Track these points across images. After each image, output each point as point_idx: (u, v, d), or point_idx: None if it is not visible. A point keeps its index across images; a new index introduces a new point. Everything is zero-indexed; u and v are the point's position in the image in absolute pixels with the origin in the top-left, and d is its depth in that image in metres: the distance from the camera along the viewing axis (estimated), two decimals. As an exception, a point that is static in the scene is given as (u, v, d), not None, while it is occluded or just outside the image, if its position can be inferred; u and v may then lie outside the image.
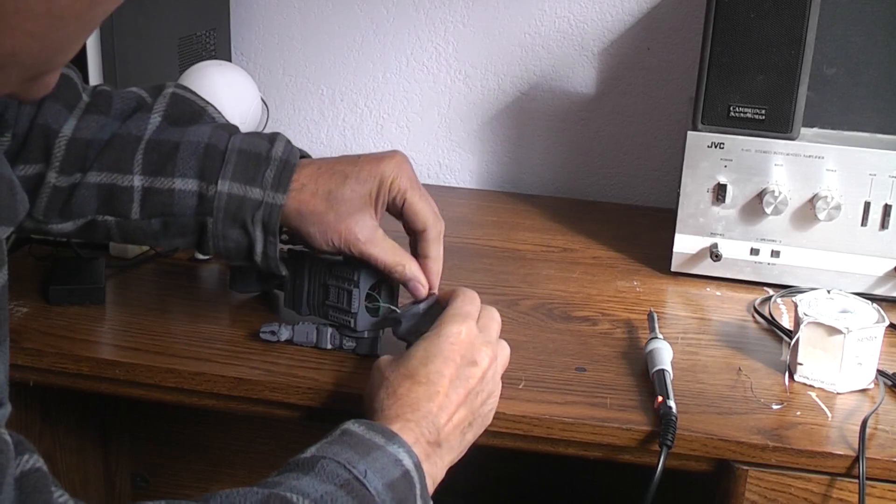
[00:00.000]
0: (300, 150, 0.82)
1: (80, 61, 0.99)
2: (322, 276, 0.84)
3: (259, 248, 0.80)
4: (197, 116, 0.83)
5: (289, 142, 0.82)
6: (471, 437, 0.72)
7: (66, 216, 0.80)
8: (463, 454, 0.72)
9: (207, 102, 0.85)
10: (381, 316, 0.83)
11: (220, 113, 0.86)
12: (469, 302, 0.76)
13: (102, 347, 0.86)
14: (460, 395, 0.70)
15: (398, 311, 0.82)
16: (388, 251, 0.80)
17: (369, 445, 0.63)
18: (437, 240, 0.83)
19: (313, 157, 0.84)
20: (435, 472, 0.68)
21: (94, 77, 1.00)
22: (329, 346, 0.84)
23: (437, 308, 0.79)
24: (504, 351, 0.76)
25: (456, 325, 0.73)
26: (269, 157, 0.80)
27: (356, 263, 0.82)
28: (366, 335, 0.83)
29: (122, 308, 0.94)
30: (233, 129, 0.83)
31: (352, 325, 0.83)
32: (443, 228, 0.84)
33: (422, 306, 0.80)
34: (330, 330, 0.84)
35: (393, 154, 0.82)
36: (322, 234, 0.79)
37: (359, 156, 0.82)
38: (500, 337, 0.81)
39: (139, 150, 0.80)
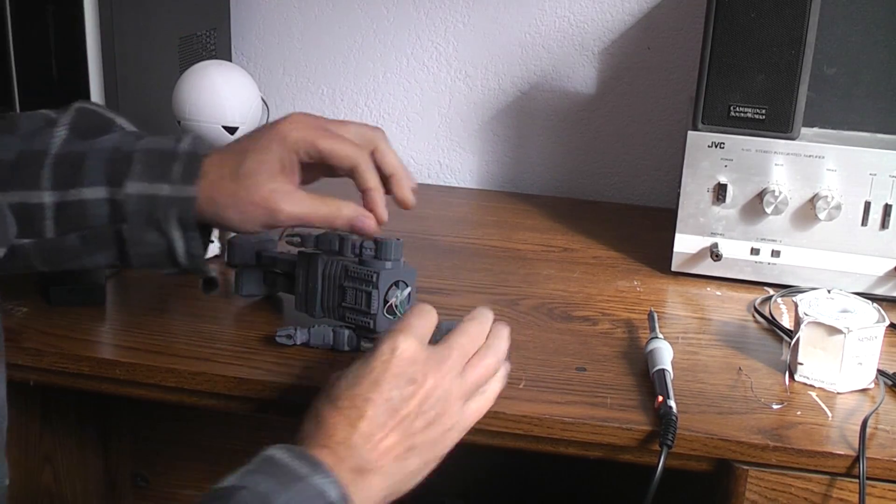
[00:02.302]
0: (211, 143, 0.79)
1: (79, 63, 0.99)
2: (338, 277, 0.84)
3: (181, 248, 0.77)
4: (106, 127, 0.80)
5: (198, 136, 0.80)
6: (416, 462, 0.66)
7: None
8: (416, 479, 0.67)
9: (117, 114, 0.82)
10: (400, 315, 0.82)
11: (130, 124, 0.82)
12: (417, 315, 0.69)
13: (103, 347, 0.86)
14: (390, 419, 0.64)
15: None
16: (315, 205, 0.76)
17: (292, 476, 0.60)
18: (369, 167, 0.77)
19: None
20: (366, 500, 0.64)
21: (95, 79, 1.01)
22: (346, 349, 0.84)
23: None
24: (481, 368, 0.70)
25: (390, 341, 0.67)
26: (176, 152, 0.76)
27: (374, 264, 0.82)
28: None
29: (122, 308, 0.94)
30: (142, 135, 0.79)
31: (371, 326, 0.82)
32: (378, 144, 0.79)
33: (444, 325, 0.80)
34: (347, 332, 0.84)
35: (288, 115, 0.78)
36: (241, 214, 0.75)
37: (258, 128, 0.79)
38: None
39: (46, 165, 0.76)
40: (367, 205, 0.77)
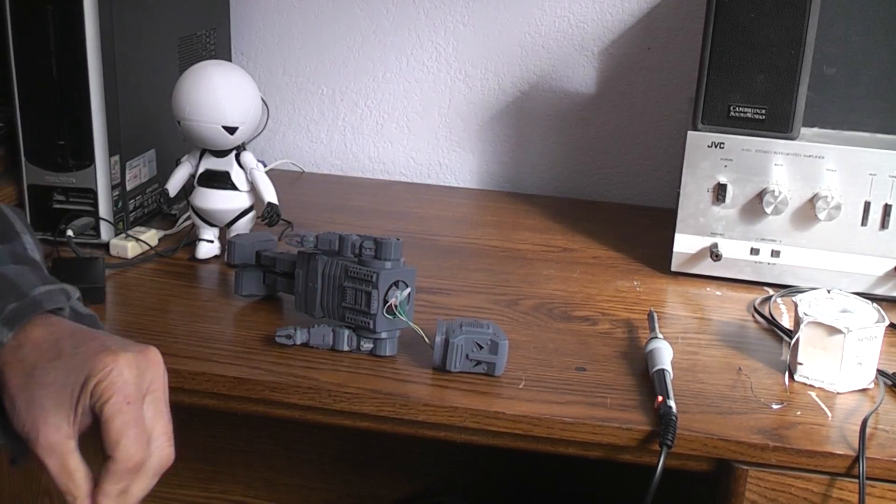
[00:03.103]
0: (65, 299, 0.67)
1: (79, 63, 1.00)
2: (338, 277, 0.84)
3: None
4: (6, 238, 0.72)
5: (64, 290, 0.67)
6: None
7: None
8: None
9: (29, 231, 0.74)
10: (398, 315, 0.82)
11: (35, 246, 0.74)
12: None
13: (102, 347, 0.86)
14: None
15: (422, 332, 0.82)
16: (63, 469, 0.61)
17: None
18: (118, 475, 0.61)
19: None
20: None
21: (95, 79, 1.01)
22: (346, 349, 0.84)
23: None
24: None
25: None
26: (24, 293, 0.65)
27: (374, 264, 0.82)
28: (384, 336, 0.83)
29: (121, 308, 0.94)
30: (31, 263, 0.70)
31: (371, 326, 0.82)
32: (140, 464, 0.62)
33: (438, 339, 0.80)
34: (347, 332, 0.84)
35: (125, 349, 0.62)
36: (11, 412, 0.62)
37: (102, 335, 0.65)
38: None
39: None
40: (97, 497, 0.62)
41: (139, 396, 0.62)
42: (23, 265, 0.69)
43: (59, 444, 0.61)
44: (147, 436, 0.62)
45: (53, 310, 0.66)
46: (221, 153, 1.03)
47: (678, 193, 1.03)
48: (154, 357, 0.64)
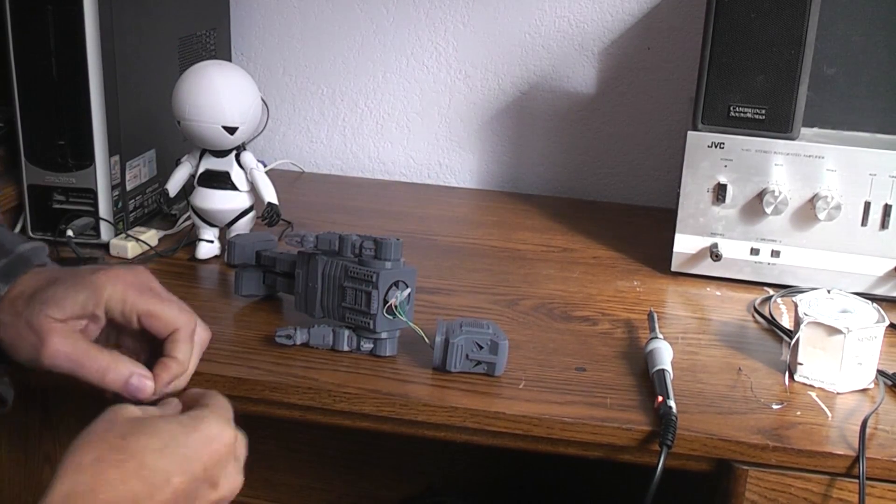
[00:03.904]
0: (45, 256, 0.71)
1: (79, 63, 0.99)
2: (338, 277, 0.84)
3: None
4: None
5: (43, 247, 0.72)
6: None
7: None
8: None
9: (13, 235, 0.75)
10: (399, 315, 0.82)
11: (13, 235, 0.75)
12: (230, 409, 0.63)
13: (102, 347, 0.86)
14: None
15: (422, 332, 0.82)
16: (91, 353, 0.65)
17: None
18: (188, 337, 0.69)
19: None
20: None
21: (95, 79, 1.01)
22: (346, 349, 0.84)
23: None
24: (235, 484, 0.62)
25: (219, 425, 0.59)
26: (10, 250, 0.68)
27: (373, 264, 0.82)
28: (384, 336, 0.83)
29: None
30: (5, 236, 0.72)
31: (371, 326, 0.82)
32: (195, 326, 0.70)
33: (438, 339, 0.80)
34: (347, 332, 0.84)
35: (112, 267, 0.69)
36: (13, 335, 0.65)
37: (83, 268, 0.70)
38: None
39: None
40: (158, 368, 0.67)
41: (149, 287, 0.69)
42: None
43: (73, 338, 0.64)
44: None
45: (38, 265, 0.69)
46: (221, 153, 1.03)
47: (678, 193, 1.03)
48: (130, 270, 0.70)
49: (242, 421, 0.67)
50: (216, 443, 0.58)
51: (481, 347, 0.80)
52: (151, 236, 1.07)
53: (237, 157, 1.03)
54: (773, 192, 0.99)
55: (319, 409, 0.80)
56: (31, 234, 1.06)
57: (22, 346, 0.65)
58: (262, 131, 1.10)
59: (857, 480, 0.72)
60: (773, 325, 0.94)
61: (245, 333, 0.88)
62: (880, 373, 0.83)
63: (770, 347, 0.90)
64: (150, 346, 0.71)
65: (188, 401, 0.65)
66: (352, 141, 1.42)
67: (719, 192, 1.01)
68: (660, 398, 0.76)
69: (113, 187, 1.05)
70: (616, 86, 1.33)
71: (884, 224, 0.98)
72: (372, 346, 0.84)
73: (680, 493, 0.88)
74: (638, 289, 1.02)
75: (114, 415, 0.58)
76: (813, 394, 0.81)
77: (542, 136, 1.37)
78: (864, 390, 0.82)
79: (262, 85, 1.38)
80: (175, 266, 1.03)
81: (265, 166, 1.10)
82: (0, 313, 0.66)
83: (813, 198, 0.99)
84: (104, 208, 1.05)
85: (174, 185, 1.04)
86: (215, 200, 1.03)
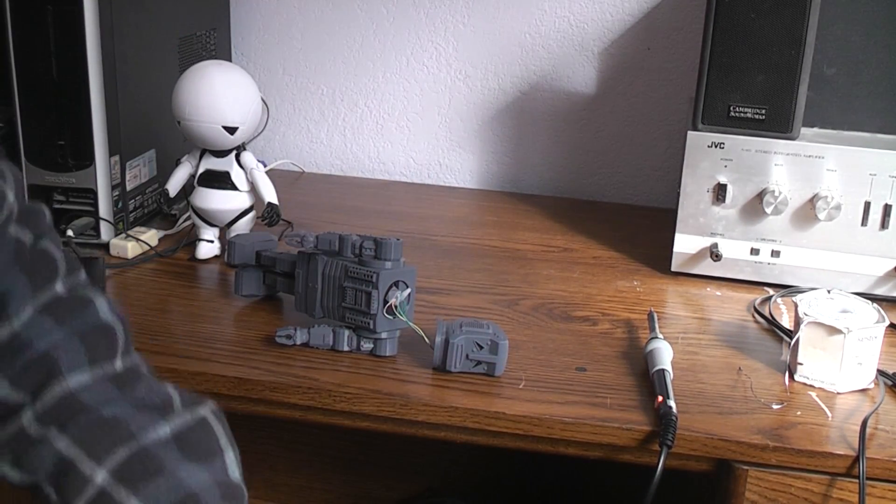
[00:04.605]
0: None
1: (79, 63, 0.99)
2: (338, 277, 0.84)
3: None
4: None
5: None
6: None
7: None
8: None
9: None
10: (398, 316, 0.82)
11: None
12: None
13: (102, 347, 0.86)
14: None
15: (422, 332, 0.82)
16: None
17: None
18: None
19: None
20: None
21: (95, 79, 1.01)
22: (346, 349, 0.84)
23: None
24: None
25: None
26: None
27: (373, 264, 0.82)
28: (384, 336, 0.83)
29: (121, 308, 0.93)
30: None
31: (371, 326, 0.82)
32: None
33: (438, 339, 0.80)
34: (346, 332, 0.84)
35: None
36: None
37: None
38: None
39: None
40: None
41: None
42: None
43: None
44: None
45: None
46: (221, 153, 1.03)
47: (678, 193, 1.03)
48: None
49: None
50: None
51: (481, 347, 0.80)
52: (151, 236, 1.07)
53: (237, 157, 1.03)
54: (774, 192, 0.99)
55: (319, 410, 0.80)
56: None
57: None
58: (262, 131, 1.10)
59: (857, 480, 0.72)
60: (773, 325, 0.94)
61: (245, 333, 0.88)
62: (880, 373, 0.83)
63: (770, 347, 0.90)
64: None
65: None
66: (352, 141, 1.42)
67: (719, 192, 1.01)
68: (660, 398, 0.76)
69: (113, 187, 1.05)
70: (616, 86, 1.33)
71: (884, 224, 0.98)
72: (372, 346, 0.84)
73: (680, 492, 0.88)
74: (638, 289, 1.02)
75: None
76: (813, 394, 0.81)
77: (542, 136, 1.37)
78: (864, 390, 0.82)
79: (262, 85, 1.38)
80: (175, 266, 1.04)
81: (265, 166, 1.10)
82: None
83: (813, 198, 0.99)
84: (104, 208, 1.05)
85: (174, 185, 1.05)
86: (215, 200, 1.03)
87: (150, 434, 0.62)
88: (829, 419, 0.77)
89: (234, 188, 1.03)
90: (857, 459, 0.73)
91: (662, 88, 1.32)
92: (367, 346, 0.84)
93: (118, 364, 0.66)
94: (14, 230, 0.63)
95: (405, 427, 0.79)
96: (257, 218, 1.05)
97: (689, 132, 1.01)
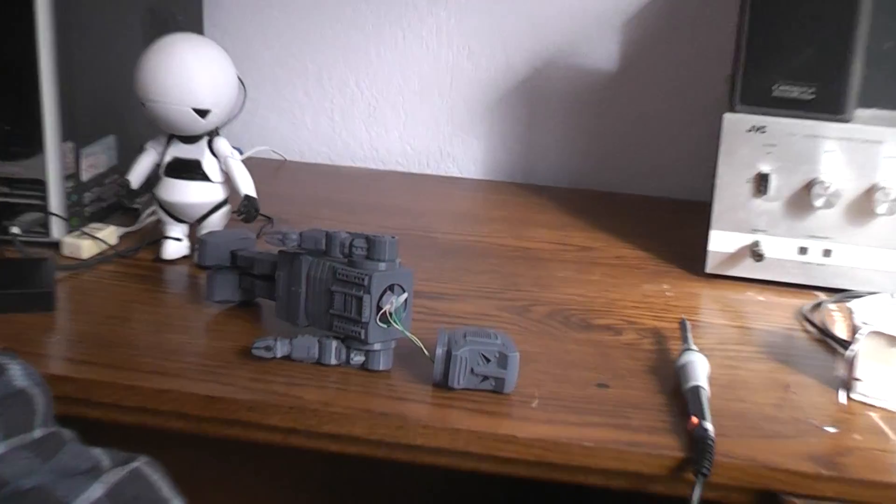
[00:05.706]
0: None
1: (27, 34, 0.99)
2: (324, 281, 0.84)
3: None
4: None
5: None
6: None
7: None
8: None
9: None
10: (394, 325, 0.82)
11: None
12: None
13: (51, 361, 0.85)
14: None
15: (420, 344, 0.81)
16: None
17: None
18: None
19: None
20: None
21: (46, 56, 1.00)
22: (334, 362, 0.84)
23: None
24: None
25: None
26: None
27: (365, 265, 0.81)
28: (377, 347, 0.83)
29: (75, 316, 0.93)
30: None
31: (362, 336, 0.82)
32: None
33: (439, 351, 0.80)
34: (335, 343, 0.84)
35: None
36: None
37: None
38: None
39: None
40: None
41: None
42: None
43: None
44: None
45: None
46: (191, 139, 1.03)
47: (713, 184, 1.03)
48: None
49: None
50: None
51: (488, 360, 0.80)
52: (110, 234, 1.07)
53: (210, 144, 1.04)
54: (824, 182, 0.99)
55: (303, 432, 0.79)
56: (-27, 231, 1.05)
57: None
58: (238, 114, 1.10)
59: (925, 515, 0.71)
60: (825, 335, 0.94)
61: (218, 345, 0.87)
62: (950, 390, 0.82)
63: (822, 361, 0.90)
64: None
65: None
66: (341, 126, 1.43)
67: (761, 183, 1.01)
68: (694, 419, 0.76)
69: (66, 178, 1.05)
70: (640, 63, 1.34)
71: (950, 219, 0.98)
72: (363, 358, 0.83)
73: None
74: (667, 293, 1.02)
75: None
76: (874, 414, 0.81)
77: (556, 119, 1.37)
78: (931, 410, 0.81)
79: (238, 61, 1.37)
80: (137, 268, 1.03)
81: (242, 154, 1.10)
82: None
83: (870, 189, 0.99)
84: (55, 202, 1.05)
85: (137, 175, 1.05)
86: (184, 193, 1.03)
87: (80, 498, 0.62)
88: (893, 444, 0.77)
89: (206, 179, 1.03)
90: (924, 491, 0.72)
91: (694, 65, 1.32)
92: (357, 358, 0.83)
93: (37, 433, 0.67)
94: None
95: (401, 452, 0.79)
96: (232, 213, 1.06)
97: (726, 114, 1.01)
